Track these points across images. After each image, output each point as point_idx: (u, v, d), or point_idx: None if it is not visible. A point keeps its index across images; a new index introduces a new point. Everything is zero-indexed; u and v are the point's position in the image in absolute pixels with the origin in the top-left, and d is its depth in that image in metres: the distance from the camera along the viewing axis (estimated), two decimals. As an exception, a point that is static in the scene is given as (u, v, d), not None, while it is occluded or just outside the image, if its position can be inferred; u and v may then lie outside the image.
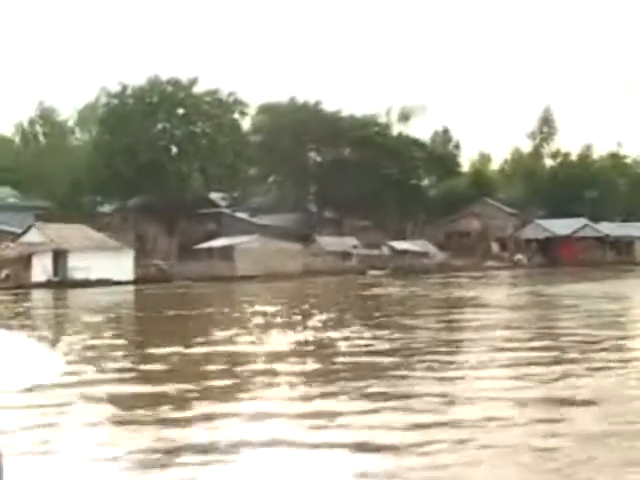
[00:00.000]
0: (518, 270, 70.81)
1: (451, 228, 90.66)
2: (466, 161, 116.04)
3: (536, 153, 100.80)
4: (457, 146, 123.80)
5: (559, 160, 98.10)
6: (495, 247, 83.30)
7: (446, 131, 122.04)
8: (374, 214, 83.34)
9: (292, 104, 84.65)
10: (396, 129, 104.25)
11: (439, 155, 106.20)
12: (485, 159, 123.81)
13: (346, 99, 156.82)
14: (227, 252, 58.90)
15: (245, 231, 76.00)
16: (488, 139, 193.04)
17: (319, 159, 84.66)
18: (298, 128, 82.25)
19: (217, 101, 78.67)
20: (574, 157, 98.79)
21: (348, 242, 66.69)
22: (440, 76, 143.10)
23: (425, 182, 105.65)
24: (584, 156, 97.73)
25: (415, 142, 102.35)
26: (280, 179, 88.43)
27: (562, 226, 79.00)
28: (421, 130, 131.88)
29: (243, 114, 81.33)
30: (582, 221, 79.03)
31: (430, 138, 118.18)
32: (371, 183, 79.58)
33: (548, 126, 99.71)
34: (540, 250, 79.24)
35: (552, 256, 77.14)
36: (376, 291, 42.48)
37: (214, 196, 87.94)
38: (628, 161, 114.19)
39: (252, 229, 79.93)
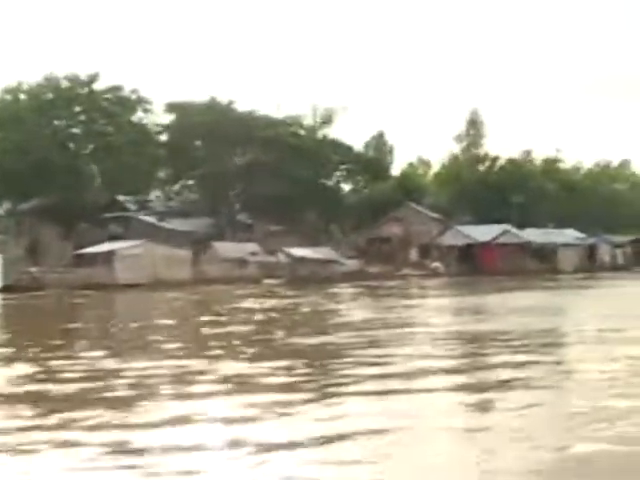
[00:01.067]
0: (433, 279, 66.74)
1: (372, 234, 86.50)
2: (405, 166, 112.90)
3: (463, 157, 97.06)
4: (390, 151, 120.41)
5: (487, 164, 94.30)
6: (414, 254, 79.14)
7: (381, 135, 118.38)
8: (288, 219, 78.92)
9: (202, 103, 79.86)
10: (322, 131, 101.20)
11: (367, 159, 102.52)
12: (425, 164, 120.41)
13: (274, 100, 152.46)
14: (109, 258, 53.95)
15: (153, 236, 72.07)
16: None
17: (230, 160, 79.87)
18: (208, 128, 77.61)
19: (118, 98, 73.76)
20: (503, 161, 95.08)
21: (246, 248, 62.07)
22: (384, 80, 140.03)
23: (350, 186, 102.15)
24: (512, 160, 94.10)
25: (338, 145, 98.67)
26: (190, 181, 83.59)
27: (483, 232, 75.12)
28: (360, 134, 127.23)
29: (147, 112, 76.56)
30: (503, 227, 75.12)
31: (365, 143, 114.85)
32: (283, 186, 75.17)
33: (475, 129, 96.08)
34: (461, 257, 75.21)
35: (472, 264, 73.14)
36: (246, 305, 37.83)
37: (123, 199, 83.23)
38: (566, 167, 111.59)
39: (160, 234, 75.80)
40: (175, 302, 41.53)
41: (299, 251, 61.03)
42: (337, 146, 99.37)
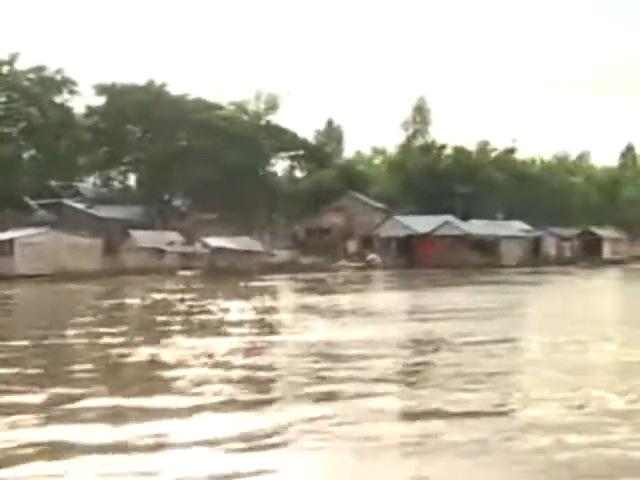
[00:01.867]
0: (368, 272, 63.62)
1: (312, 224, 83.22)
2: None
3: (409, 144, 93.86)
4: (340, 139, 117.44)
5: (434, 153, 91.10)
6: (353, 245, 75.90)
7: (330, 123, 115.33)
8: (224, 206, 75.59)
9: (133, 84, 76.06)
10: (268, 117, 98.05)
11: (312, 147, 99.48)
12: (381, 153, 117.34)
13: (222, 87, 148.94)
14: (8, 247, 50.22)
15: (83, 223, 68.89)
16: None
17: (163, 145, 76.21)
18: (139, 110, 73.96)
19: (41, 78, 69.82)
20: (450, 150, 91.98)
21: (166, 237, 58.48)
22: (341, 67, 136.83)
23: (295, 174, 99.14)
24: (460, 149, 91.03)
25: (281, 131, 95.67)
26: (121, 167, 79.86)
27: (423, 223, 71.98)
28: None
29: (73, 93, 72.65)
30: (443, 218, 71.99)
31: (314, 130, 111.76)
32: (215, 171, 71.68)
33: (422, 116, 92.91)
34: (400, 249, 72.07)
35: (411, 256, 70.03)
36: (130, 300, 34.37)
37: (56, 184, 79.64)
38: (519, 159, 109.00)
39: (90, 221, 72.56)
40: (51, 296, 38.01)
41: (217, 241, 57.50)
42: (281, 132, 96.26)
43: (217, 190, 74.36)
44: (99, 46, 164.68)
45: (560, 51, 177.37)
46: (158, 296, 34.78)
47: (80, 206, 77.40)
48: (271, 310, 28.81)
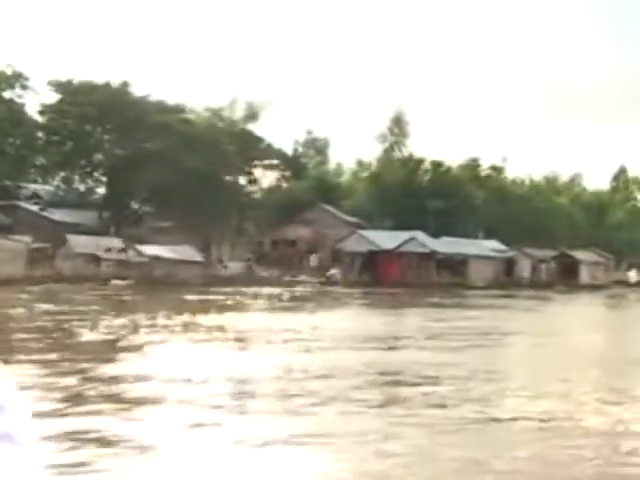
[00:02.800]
0: (327, 287, 59.77)
1: (277, 235, 79.41)
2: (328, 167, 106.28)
3: (386, 158, 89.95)
4: (321, 150, 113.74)
5: (410, 167, 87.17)
6: (315, 259, 71.99)
7: (310, 133, 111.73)
8: (180, 213, 71.72)
9: (90, 82, 72.20)
10: (246, 125, 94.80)
11: (289, 157, 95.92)
12: (365, 167, 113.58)
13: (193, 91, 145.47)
14: None
15: (39, 227, 65.59)
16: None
17: (119, 147, 72.40)
18: (95, 110, 70.09)
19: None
20: (428, 165, 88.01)
21: (105, 243, 54.50)
22: (334, 81, 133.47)
23: (268, 184, 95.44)
24: (437, 164, 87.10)
25: (257, 139, 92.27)
26: (80, 169, 75.93)
27: (388, 239, 67.96)
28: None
29: (25, 89, 68.88)
30: (410, 234, 68.02)
31: (294, 141, 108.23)
32: (172, 177, 67.70)
33: (400, 128, 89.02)
34: (364, 265, 68.16)
35: (375, 273, 66.12)
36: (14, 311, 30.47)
37: (12, 185, 75.93)
38: (504, 177, 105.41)
39: (46, 225, 69.16)
40: None
41: (152, 249, 53.58)
42: (256, 141, 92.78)
43: (176, 196, 70.54)
44: (84, 49, 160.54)
45: (556, 73, 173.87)
46: (44, 307, 30.89)
47: (34, 208, 73.90)
48: (138, 329, 24.85)
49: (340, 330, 26.73)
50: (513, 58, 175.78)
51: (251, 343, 21.56)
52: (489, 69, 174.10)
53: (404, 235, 67.61)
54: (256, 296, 46.74)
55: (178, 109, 72.38)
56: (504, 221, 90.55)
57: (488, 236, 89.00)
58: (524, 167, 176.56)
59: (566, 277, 76.37)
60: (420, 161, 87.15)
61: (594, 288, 74.63)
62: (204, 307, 34.78)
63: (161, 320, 27.93)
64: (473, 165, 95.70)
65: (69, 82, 72.35)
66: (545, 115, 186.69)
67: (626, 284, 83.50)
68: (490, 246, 74.06)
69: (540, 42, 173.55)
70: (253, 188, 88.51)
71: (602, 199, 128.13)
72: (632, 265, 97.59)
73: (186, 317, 28.65)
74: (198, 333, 23.11)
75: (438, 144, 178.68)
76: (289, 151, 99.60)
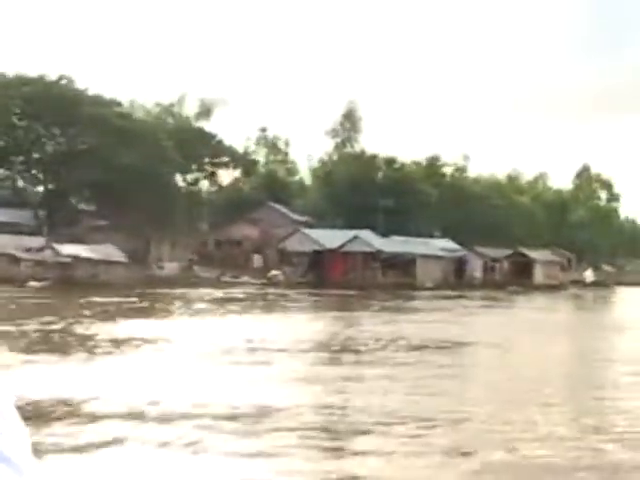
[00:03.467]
0: (268, 289, 56.92)
1: (222, 235, 76.41)
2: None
3: (338, 154, 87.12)
4: (276, 148, 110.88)
5: (362, 163, 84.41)
6: (258, 259, 69.15)
7: (264, 130, 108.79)
8: (116, 212, 68.66)
9: (17, 75, 68.74)
10: (198, 122, 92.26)
11: (238, 155, 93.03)
12: (324, 164, 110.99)
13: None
14: None
15: None
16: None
17: (55, 142, 69.13)
18: (27, 105, 66.83)
19: None
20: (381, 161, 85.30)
21: (25, 243, 51.31)
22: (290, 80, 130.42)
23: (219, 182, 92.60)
24: (390, 161, 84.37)
25: (207, 136, 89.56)
26: (14, 165, 72.52)
27: (333, 238, 65.19)
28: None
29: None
30: (354, 233, 65.31)
31: (246, 138, 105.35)
32: (107, 174, 64.54)
33: (351, 123, 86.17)
34: (309, 265, 65.45)
35: (320, 273, 63.41)
36: None
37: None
38: (462, 175, 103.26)
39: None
40: None
41: (70, 249, 50.44)
42: (207, 137, 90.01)
43: (113, 194, 67.50)
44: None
45: (523, 74, 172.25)
46: None
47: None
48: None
49: (238, 339, 23.95)
50: (481, 59, 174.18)
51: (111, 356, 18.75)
52: (455, 67, 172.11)
53: (347, 234, 64.85)
54: (180, 298, 43.84)
55: (115, 103, 69.00)
56: (461, 220, 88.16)
57: (445, 235, 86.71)
58: (489, 165, 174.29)
59: (520, 277, 73.99)
60: (373, 157, 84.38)
61: (549, 288, 72.37)
62: (102, 312, 31.76)
63: (32, 327, 24.89)
64: (430, 163, 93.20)
65: (1, 75, 68.98)
66: (511, 114, 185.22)
67: (583, 284, 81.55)
68: (442, 245, 71.35)
69: (508, 42, 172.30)
70: (201, 186, 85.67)
71: (564, 197, 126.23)
72: (589, 265, 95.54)
73: (63, 324, 25.62)
74: (55, 344, 20.19)
75: (402, 142, 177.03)
76: (245, 149, 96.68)
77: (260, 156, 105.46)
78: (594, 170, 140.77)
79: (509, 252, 76.23)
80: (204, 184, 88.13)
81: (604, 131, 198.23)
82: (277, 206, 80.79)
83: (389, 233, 73.01)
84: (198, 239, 78.14)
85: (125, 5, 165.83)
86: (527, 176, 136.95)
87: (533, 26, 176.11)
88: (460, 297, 54.39)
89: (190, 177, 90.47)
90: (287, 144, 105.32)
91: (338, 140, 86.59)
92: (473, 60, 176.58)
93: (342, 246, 63.19)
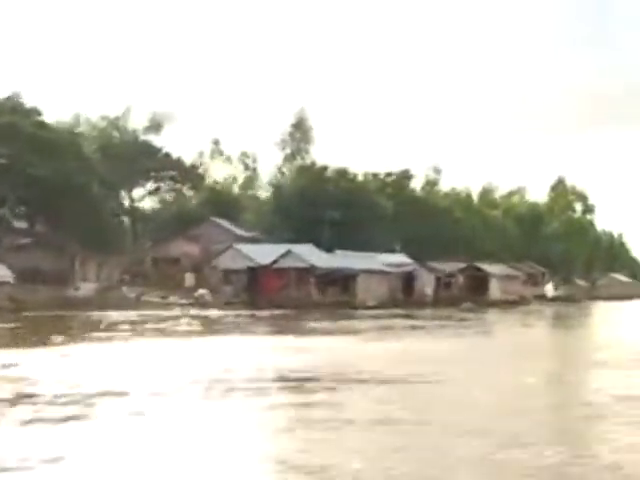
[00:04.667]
0: (195, 309, 52.12)
1: (159, 252, 71.76)
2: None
3: (287, 165, 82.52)
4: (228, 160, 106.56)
5: (313, 175, 79.84)
6: (190, 278, 64.43)
7: (217, 143, 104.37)
8: (38, 228, 64.21)
9: None
10: (148, 136, 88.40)
11: (184, 168, 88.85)
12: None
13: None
14: None
15: None
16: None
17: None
18: None
19: None
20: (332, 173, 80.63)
21: None
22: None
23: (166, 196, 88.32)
24: (342, 172, 79.75)
25: (152, 149, 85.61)
26: None
27: (266, 253, 60.46)
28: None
29: None
30: (287, 247, 60.61)
31: (198, 152, 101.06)
32: (27, 188, 59.91)
33: (302, 132, 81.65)
34: (243, 283, 60.77)
35: (255, 291, 58.72)
36: None
37: None
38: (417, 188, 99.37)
39: None
40: None
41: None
42: (153, 151, 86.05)
43: (36, 210, 63.06)
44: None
45: (500, 88, 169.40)
46: None
47: None
48: None
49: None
50: (459, 73, 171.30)
51: None
52: (434, 81, 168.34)
53: (277, 248, 60.19)
54: (72, 322, 39.18)
55: (35, 112, 64.20)
56: (424, 234, 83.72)
57: (406, 250, 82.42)
58: (466, 180, 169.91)
59: (476, 293, 69.24)
60: (323, 169, 79.77)
61: (507, 304, 67.64)
62: None
63: None
64: (388, 175, 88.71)
65: None
66: (489, 129, 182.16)
67: (546, 299, 76.99)
68: (390, 260, 66.31)
69: (484, 55, 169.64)
70: (149, 201, 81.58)
71: (538, 210, 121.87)
72: (561, 279, 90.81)
73: None
74: None
75: (374, 156, 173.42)
76: (193, 162, 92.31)
77: (214, 170, 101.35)
78: (569, 182, 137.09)
79: (462, 266, 71.20)
80: (153, 199, 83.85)
81: (583, 145, 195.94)
82: (220, 221, 76.21)
83: (341, 247, 68.41)
84: (136, 257, 73.52)
85: (73, 17, 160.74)
86: (503, 190, 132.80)
87: (508, 37, 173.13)
88: (396, 316, 49.52)
89: (137, 192, 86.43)
90: (248, 156, 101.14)
91: (288, 152, 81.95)
92: (451, 74, 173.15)
93: (275, 262, 58.45)
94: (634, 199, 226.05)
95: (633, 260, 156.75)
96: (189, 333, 34.80)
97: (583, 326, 51.16)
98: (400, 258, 68.62)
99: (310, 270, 57.47)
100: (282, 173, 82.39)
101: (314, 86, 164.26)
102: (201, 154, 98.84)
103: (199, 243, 72.56)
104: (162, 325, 38.93)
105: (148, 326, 38.12)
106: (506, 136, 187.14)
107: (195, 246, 72.10)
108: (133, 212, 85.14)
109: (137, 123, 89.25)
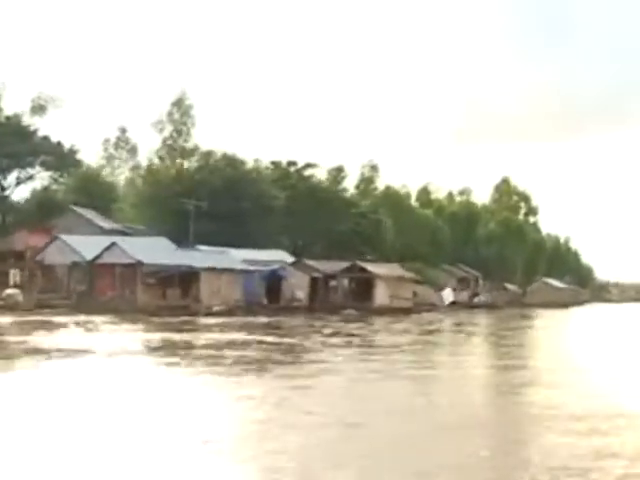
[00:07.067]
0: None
1: (4, 246, 62.33)
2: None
3: (169, 150, 73.09)
4: (134, 148, 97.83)
5: (196, 161, 70.72)
6: (15, 275, 55.15)
7: (124, 130, 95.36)
8: None
9: None
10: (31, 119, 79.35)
11: (62, 153, 79.83)
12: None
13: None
14: None
15: None
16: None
17: None
18: None
19: None
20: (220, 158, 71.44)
21: None
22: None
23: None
24: (228, 159, 70.59)
25: (25, 132, 77.20)
26: None
27: (93, 245, 51.12)
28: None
29: None
30: (111, 239, 51.35)
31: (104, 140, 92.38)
32: None
33: (181, 112, 72.40)
34: (78, 280, 51.62)
35: (89, 290, 49.62)
36: None
37: None
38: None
39: None
40: None
41: None
42: (25, 133, 77.09)
43: None
44: None
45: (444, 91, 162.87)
46: None
47: None
48: None
49: None
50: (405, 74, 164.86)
51: None
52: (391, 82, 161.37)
53: (107, 241, 50.88)
54: None
55: None
56: (319, 230, 75.03)
57: (305, 248, 73.85)
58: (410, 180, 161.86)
59: (362, 297, 60.05)
60: (208, 154, 70.54)
61: (397, 312, 58.26)
62: None
63: None
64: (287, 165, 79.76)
65: None
66: (437, 132, 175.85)
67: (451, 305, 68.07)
68: (253, 257, 56.65)
69: (431, 56, 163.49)
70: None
71: (472, 210, 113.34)
72: (450, 283, 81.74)
73: None
74: None
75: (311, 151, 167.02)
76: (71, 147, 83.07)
77: (119, 159, 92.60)
78: (513, 183, 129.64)
79: (344, 265, 61.45)
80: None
81: (536, 151, 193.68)
82: (82, 211, 66.99)
83: (217, 242, 59.16)
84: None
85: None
86: (445, 192, 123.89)
87: (453, 37, 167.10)
88: (232, 328, 39.97)
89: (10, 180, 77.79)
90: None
91: (165, 134, 72.50)
92: (396, 76, 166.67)
93: (97, 257, 49.13)
94: (585, 205, 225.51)
95: (581, 265, 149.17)
96: None
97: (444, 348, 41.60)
98: (270, 255, 59.08)
99: (136, 267, 48.05)
100: (160, 158, 72.86)
101: (224, 71, 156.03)
102: (106, 141, 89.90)
103: (49, 235, 63.14)
104: None
105: None
106: (453, 141, 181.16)
107: (44, 238, 62.62)
108: (2, 202, 76.41)
109: (16, 105, 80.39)
